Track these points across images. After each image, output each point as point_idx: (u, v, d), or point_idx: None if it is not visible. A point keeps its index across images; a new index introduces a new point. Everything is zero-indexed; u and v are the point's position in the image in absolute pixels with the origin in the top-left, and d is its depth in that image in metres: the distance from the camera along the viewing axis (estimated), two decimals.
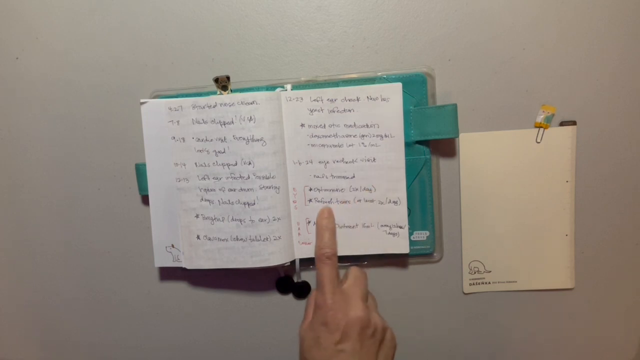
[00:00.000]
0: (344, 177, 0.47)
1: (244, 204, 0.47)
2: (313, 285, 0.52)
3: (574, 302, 0.51)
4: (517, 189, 0.49)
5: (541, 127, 0.49)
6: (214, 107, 0.46)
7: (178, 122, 0.47)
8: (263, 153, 0.46)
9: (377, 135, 0.46)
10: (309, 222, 0.48)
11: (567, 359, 0.52)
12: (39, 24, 0.51)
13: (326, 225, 0.46)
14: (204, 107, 0.46)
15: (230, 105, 0.46)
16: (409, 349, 0.53)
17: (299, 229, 0.49)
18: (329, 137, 0.47)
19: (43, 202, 0.53)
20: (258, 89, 0.48)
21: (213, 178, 0.47)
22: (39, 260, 0.54)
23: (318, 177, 0.48)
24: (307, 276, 0.52)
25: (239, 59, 0.50)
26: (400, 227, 0.47)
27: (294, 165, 0.48)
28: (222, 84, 0.47)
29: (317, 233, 0.47)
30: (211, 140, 0.47)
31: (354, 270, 0.45)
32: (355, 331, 0.40)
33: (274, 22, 0.49)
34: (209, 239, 0.48)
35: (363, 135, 0.47)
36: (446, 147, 0.49)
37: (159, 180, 0.49)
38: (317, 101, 0.47)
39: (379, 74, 0.48)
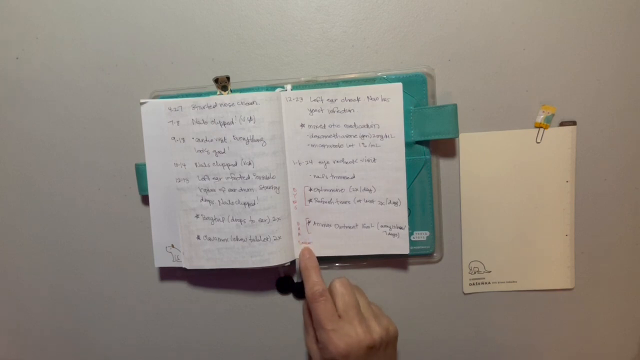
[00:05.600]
0: (344, 177, 0.47)
1: (244, 204, 0.47)
2: None
3: (574, 302, 0.51)
4: (517, 189, 0.49)
5: (541, 127, 0.49)
6: (214, 107, 0.46)
7: (178, 122, 0.47)
8: (263, 153, 0.46)
9: (377, 136, 0.46)
10: (309, 222, 0.48)
11: (567, 359, 0.52)
12: (39, 24, 0.51)
13: (309, 265, 0.47)
14: (203, 108, 0.46)
15: (230, 106, 0.46)
16: (409, 349, 0.53)
17: (299, 229, 0.49)
18: (329, 137, 0.47)
19: (43, 202, 0.53)
20: (258, 89, 0.48)
21: (213, 178, 0.47)
22: (39, 260, 0.54)
23: (318, 177, 0.48)
24: None
25: (239, 59, 0.50)
26: (400, 228, 0.47)
27: (294, 165, 0.48)
28: (222, 84, 0.47)
29: (303, 274, 0.47)
30: (211, 140, 0.47)
31: (337, 288, 0.44)
32: (363, 355, 0.41)
33: (274, 22, 0.49)
34: (209, 239, 0.48)
35: (363, 136, 0.47)
36: (446, 147, 0.49)
37: (159, 180, 0.49)
38: (317, 101, 0.47)
39: (379, 74, 0.48)
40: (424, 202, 0.49)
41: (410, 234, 0.49)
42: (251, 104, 0.45)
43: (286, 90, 0.48)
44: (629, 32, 0.47)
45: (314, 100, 0.47)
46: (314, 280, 0.45)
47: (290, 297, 0.53)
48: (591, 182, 0.49)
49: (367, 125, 0.46)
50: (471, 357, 0.53)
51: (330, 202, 0.48)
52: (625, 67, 0.48)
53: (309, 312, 0.45)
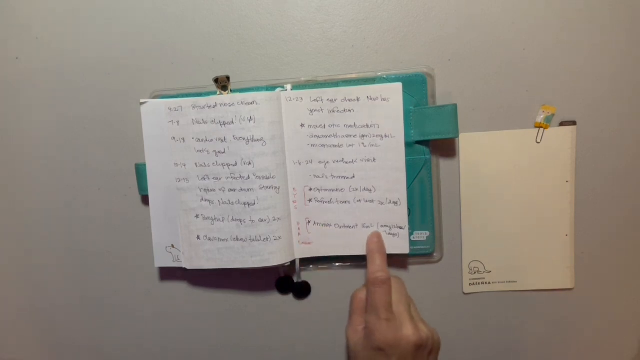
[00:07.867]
0: (344, 177, 0.47)
1: (244, 204, 0.47)
2: (313, 285, 0.52)
3: (574, 302, 0.51)
4: (517, 189, 0.49)
5: (541, 127, 0.49)
6: (214, 107, 0.46)
7: (178, 122, 0.47)
8: (263, 153, 0.46)
9: (377, 136, 0.46)
10: (309, 222, 0.48)
11: (567, 359, 0.52)
12: (39, 24, 0.51)
13: (377, 249, 0.46)
14: (203, 108, 0.46)
15: (230, 106, 0.46)
16: None
17: (299, 229, 0.49)
18: (329, 137, 0.47)
19: (43, 202, 0.53)
20: (258, 89, 0.48)
21: (213, 178, 0.47)
22: (39, 260, 0.54)
23: (318, 177, 0.48)
24: (307, 276, 0.52)
25: (239, 59, 0.50)
26: (401, 228, 0.47)
27: (294, 165, 0.48)
28: (222, 84, 0.47)
29: (369, 257, 0.46)
30: (211, 140, 0.47)
31: (395, 284, 0.44)
32: (410, 353, 0.41)
33: (274, 22, 0.49)
34: (209, 239, 0.48)
35: (363, 136, 0.47)
36: (446, 147, 0.49)
37: (159, 180, 0.49)
38: (317, 101, 0.47)
39: (379, 74, 0.48)
40: (424, 202, 0.49)
41: (410, 233, 0.49)
42: (251, 104, 0.45)
43: (286, 90, 0.48)
44: (629, 32, 0.47)
45: (314, 100, 0.47)
46: (380, 265, 0.44)
47: (290, 297, 0.53)
48: (591, 182, 0.49)
49: (367, 125, 0.46)
50: (471, 357, 0.53)
51: (330, 202, 0.48)
52: (625, 67, 0.48)
53: (358, 299, 0.44)
